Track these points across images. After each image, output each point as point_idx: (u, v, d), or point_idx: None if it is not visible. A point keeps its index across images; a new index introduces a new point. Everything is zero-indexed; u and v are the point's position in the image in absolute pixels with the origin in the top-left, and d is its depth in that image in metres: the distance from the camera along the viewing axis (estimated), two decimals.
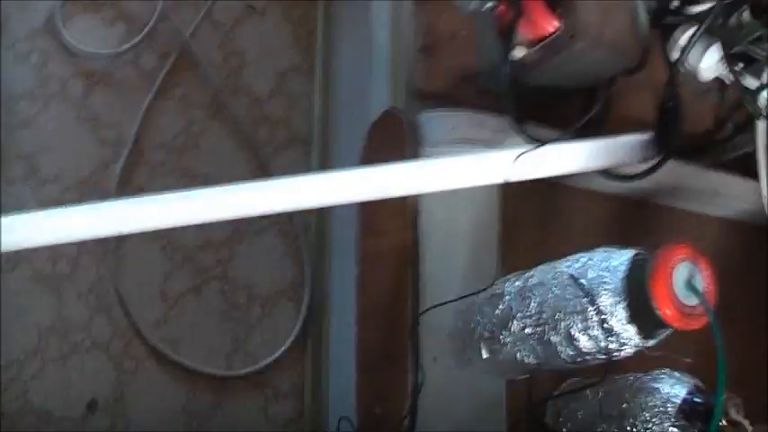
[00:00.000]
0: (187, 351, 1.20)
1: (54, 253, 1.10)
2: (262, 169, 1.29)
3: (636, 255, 0.81)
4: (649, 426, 0.94)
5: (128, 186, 1.19)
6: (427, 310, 0.92)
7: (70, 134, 1.18)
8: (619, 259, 0.83)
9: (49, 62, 1.20)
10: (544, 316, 0.86)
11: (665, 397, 0.93)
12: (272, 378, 1.26)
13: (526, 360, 0.91)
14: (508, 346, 0.91)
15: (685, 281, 0.78)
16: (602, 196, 1.19)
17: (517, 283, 0.91)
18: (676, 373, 0.94)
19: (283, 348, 1.26)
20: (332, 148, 1.32)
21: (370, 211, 1.02)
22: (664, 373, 0.95)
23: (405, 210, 0.94)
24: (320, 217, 1.30)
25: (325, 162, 1.31)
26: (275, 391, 1.26)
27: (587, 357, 0.86)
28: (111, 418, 1.13)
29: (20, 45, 1.20)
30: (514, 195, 1.09)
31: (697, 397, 0.88)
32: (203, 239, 1.22)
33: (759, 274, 1.32)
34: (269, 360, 1.25)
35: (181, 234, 1.20)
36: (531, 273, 0.90)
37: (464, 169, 0.88)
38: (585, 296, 0.82)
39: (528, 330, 0.88)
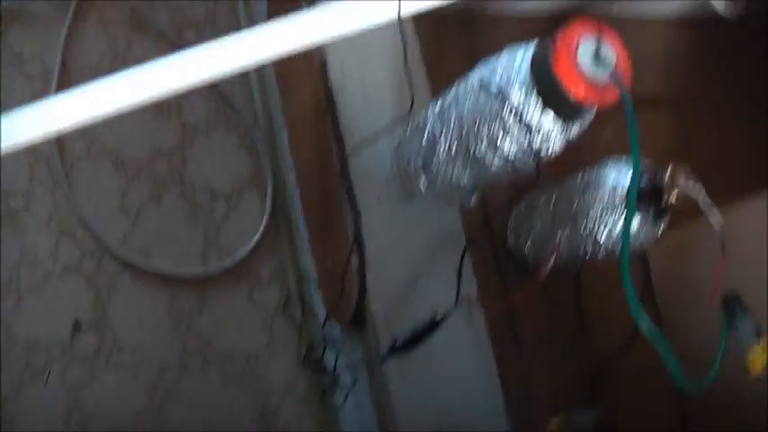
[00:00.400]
0: (160, 258, 1.21)
1: (5, 191, 1.12)
2: None
3: (540, 44, 0.80)
4: (603, 221, 0.93)
5: None
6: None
7: None
8: (523, 53, 0.82)
9: None
10: (464, 131, 0.86)
11: (612, 186, 0.93)
12: (251, 268, 1.28)
13: (462, 180, 0.91)
14: (441, 171, 0.91)
15: (592, 55, 0.77)
16: (530, 19, 1.17)
17: (436, 108, 0.91)
18: (623, 159, 0.92)
19: (257, 236, 1.27)
20: None
21: (283, 74, 1.01)
22: (609, 162, 0.94)
23: (312, 64, 0.94)
24: (265, 102, 1.30)
25: None
26: (258, 280, 1.28)
27: (516, 161, 0.86)
28: (98, 335, 1.15)
29: None
30: (435, 34, 1.08)
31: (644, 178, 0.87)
32: (152, 150, 1.23)
33: (708, 66, 1.31)
34: (245, 250, 1.27)
35: (129, 148, 1.21)
36: (446, 93, 0.90)
37: (351, 10, 0.86)
38: (497, 97, 0.81)
39: (453, 150, 0.88)
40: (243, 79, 1.30)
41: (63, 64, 1.21)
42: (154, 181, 1.23)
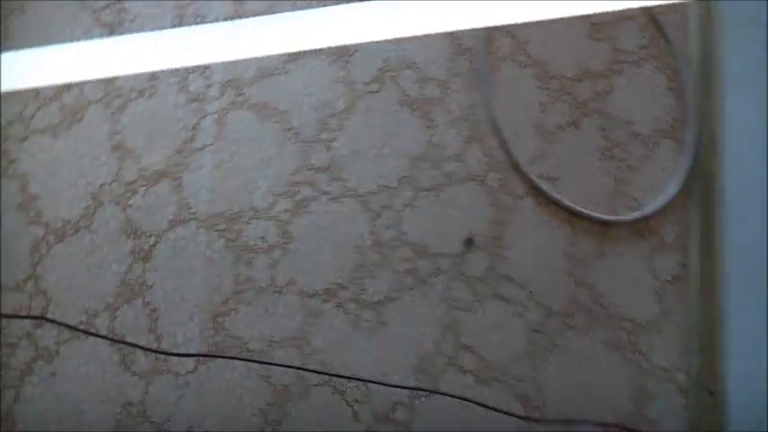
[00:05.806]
0: (567, 190, 1.06)
1: (422, 76, 0.99)
2: None
3: None
4: None
5: None
6: None
7: None
8: None
9: None
10: None
11: None
12: (657, 227, 1.10)
13: None
14: None
15: None
16: None
17: None
18: None
19: (670, 194, 1.09)
20: None
21: None
22: None
23: None
24: (705, 45, 1.11)
25: None
26: (660, 242, 1.10)
27: None
28: (490, 258, 1.01)
29: None
30: None
31: None
32: (580, 69, 1.07)
33: None
34: (655, 206, 1.09)
35: (556, 62, 1.06)
36: None
37: None
38: None
39: None
40: (680, 6, 1.12)
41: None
42: (576, 103, 1.08)
